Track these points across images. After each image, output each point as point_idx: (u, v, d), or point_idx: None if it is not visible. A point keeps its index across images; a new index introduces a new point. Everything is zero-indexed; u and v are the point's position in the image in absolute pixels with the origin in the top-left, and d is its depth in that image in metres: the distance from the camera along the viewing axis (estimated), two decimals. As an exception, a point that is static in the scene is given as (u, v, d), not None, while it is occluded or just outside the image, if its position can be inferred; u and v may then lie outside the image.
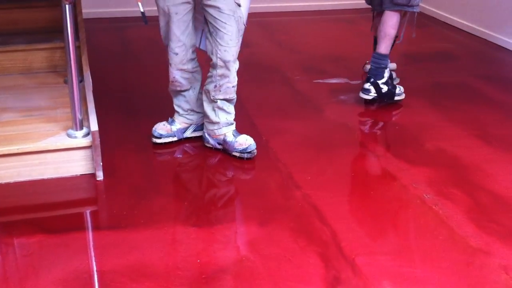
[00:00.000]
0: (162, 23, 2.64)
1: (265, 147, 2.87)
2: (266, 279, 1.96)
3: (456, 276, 2.00)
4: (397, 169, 2.71)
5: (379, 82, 3.29)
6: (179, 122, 2.86)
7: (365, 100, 3.36)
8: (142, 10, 2.57)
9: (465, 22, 5.01)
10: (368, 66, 3.59)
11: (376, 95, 3.31)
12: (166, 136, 2.84)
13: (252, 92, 3.50)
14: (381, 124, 3.24)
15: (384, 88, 3.30)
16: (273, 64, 4.10)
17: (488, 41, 4.68)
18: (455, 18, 5.14)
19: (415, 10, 3.22)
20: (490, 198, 2.47)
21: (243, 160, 2.72)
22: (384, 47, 3.27)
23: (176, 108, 2.85)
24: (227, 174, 2.68)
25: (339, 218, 2.31)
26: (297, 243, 2.14)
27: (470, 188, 2.54)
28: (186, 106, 2.83)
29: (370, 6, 3.46)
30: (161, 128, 2.84)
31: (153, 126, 2.86)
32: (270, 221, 2.28)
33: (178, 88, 2.77)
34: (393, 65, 3.67)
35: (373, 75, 3.30)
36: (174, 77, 2.72)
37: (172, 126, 2.85)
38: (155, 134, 2.84)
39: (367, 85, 3.32)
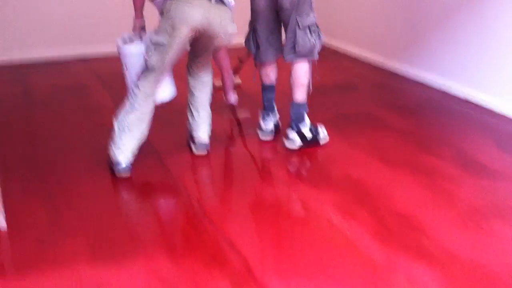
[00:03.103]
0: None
1: (175, 182, 2.88)
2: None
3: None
4: (305, 194, 2.80)
5: (303, 130, 3.28)
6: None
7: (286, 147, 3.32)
8: None
9: (362, 53, 5.30)
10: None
11: (301, 144, 3.28)
12: None
13: (161, 131, 3.51)
14: (287, 152, 3.32)
15: (309, 135, 3.29)
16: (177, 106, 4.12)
17: (385, 69, 4.96)
18: (352, 50, 5.43)
19: (315, 58, 3.27)
20: (393, 217, 2.59)
21: (153, 194, 2.72)
22: (301, 96, 3.27)
23: None
24: (139, 210, 2.67)
25: (250, 246, 2.35)
26: (210, 274, 2.16)
27: (374, 209, 2.66)
28: None
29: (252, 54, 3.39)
30: None
31: (58, 174, 2.82)
32: (182, 255, 2.29)
33: None
34: None
35: (295, 125, 3.28)
36: None
37: None
38: None
39: (291, 135, 3.28)
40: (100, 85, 4.53)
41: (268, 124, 3.41)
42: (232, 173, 3.05)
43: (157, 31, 2.80)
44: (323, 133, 3.40)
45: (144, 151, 2.96)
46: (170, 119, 3.59)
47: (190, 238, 2.41)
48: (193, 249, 2.33)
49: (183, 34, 2.75)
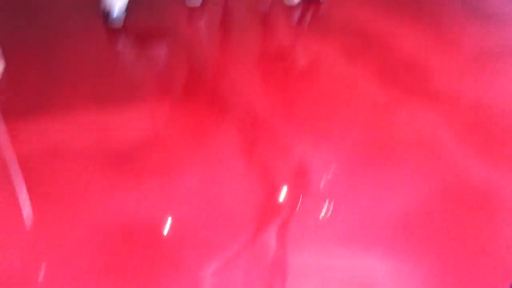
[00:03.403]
0: None
1: (179, 32, 2.81)
2: (186, 149, 1.98)
3: (367, 130, 2.10)
4: (309, 41, 2.73)
5: None
6: None
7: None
8: None
9: None
10: None
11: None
12: None
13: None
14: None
15: None
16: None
17: None
18: None
19: None
20: (398, 61, 2.55)
21: (150, 42, 2.66)
22: None
23: None
24: (137, 54, 2.62)
25: (255, 91, 2.33)
26: (215, 115, 2.16)
27: (379, 52, 2.61)
28: None
29: None
30: None
31: (50, 24, 2.70)
32: (187, 96, 2.27)
33: None
34: None
35: None
36: None
37: None
38: None
39: None
40: None
41: None
42: (230, 24, 2.95)
43: None
44: None
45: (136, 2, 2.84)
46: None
47: (193, 84, 2.38)
48: (196, 94, 2.30)
49: None
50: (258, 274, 1.59)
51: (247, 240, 1.67)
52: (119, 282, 1.54)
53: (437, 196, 1.85)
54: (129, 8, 2.78)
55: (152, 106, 2.22)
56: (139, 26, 2.83)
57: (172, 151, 1.97)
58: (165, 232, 1.69)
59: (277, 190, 1.84)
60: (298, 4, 3.12)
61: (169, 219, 1.73)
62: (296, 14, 3.12)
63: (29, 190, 1.79)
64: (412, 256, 1.66)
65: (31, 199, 1.77)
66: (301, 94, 2.33)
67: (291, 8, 3.11)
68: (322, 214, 1.77)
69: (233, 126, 2.09)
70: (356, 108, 2.22)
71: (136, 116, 2.16)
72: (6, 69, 2.40)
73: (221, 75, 2.42)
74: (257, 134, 2.06)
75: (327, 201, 1.80)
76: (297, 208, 1.78)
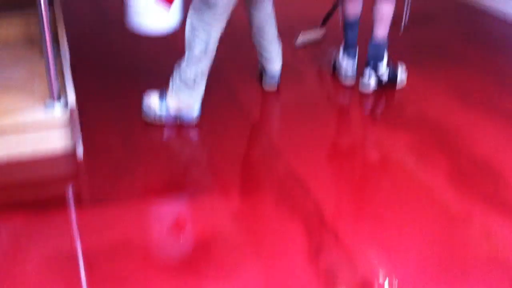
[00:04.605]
0: None
1: (247, 117, 2.85)
2: (249, 250, 1.97)
3: (438, 243, 2.03)
4: (379, 135, 2.72)
5: (381, 70, 3.06)
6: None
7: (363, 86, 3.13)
8: None
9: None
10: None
11: (378, 82, 3.09)
12: None
13: (234, 59, 3.45)
14: (361, 91, 3.21)
15: (385, 79, 3.09)
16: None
17: (468, 3, 4.65)
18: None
19: None
20: (471, 162, 2.49)
21: (226, 131, 2.71)
22: (384, 31, 3.00)
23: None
24: (208, 146, 2.67)
25: (322, 187, 2.31)
26: (280, 214, 2.15)
27: (451, 152, 2.56)
28: None
29: None
30: None
31: (137, 99, 2.80)
32: (253, 192, 2.28)
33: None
34: None
35: (374, 64, 3.04)
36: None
37: None
38: None
39: (368, 79, 3.07)
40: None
41: (353, 65, 3.16)
42: (303, 111, 2.97)
43: None
44: (401, 75, 3.17)
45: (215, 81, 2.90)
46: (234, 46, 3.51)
47: (261, 176, 2.40)
48: (263, 187, 2.31)
49: None
50: None
51: None
52: None
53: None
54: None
55: (217, 199, 2.24)
56: (215, 109, 2.88)
57: (234, 251, 1.97)
58: None
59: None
60: (373, 90, 3.11)
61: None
62: (369, 103, 3.11)
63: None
64: None
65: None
66: (369, 196, 2.30)
67: (364, 95, 3.11)
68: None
69: (298, 228, 2.08)
70: (425, 216, 2.16)
71: (205, 210, 2.19)
72: (85, 150, 2.49)
73: (289, 170, 2.41)
74: (323, 239, 2.03)
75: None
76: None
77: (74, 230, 2.08)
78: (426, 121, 2.84)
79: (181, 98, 2.69)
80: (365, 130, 2.81)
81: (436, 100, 3.04)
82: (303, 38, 3.65)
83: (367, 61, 3.08)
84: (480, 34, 4.08)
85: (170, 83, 2.70)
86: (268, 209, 2.18)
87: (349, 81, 3.18)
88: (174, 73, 2.69)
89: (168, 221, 2.13)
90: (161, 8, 2.46)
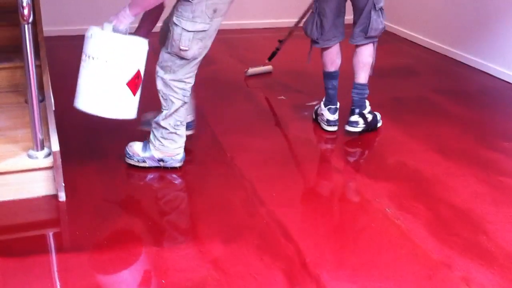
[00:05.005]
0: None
1: (230, 164, 2.88)
2: (231, 298, 1.96)
3: (418, 289, 2.04)
4: (360, 184, 2.75)
5: (365, 112, 3.25)
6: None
7: (348, 131, 3.27)
8: None
9: (424, 38, 5.13)
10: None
11: (364, 125, 3.24)
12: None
13: (216, 109, 3.52)
14: (343, 139, 3.27)
15: (369, 117, 3.26)
16: (236, 80, 4.13)
17: (447, 56, 4.80)
18: (414, 34, 5.26)
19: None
20: (450, 211, 2.52)
21: (208, 178, 2.73)
22: (365, 77, 3.22)
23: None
24: (191, 192, 2.68)
25: (304, 234, 2.33)
26: (261, 261, 2.15)
27: (430, 201, 2.60)
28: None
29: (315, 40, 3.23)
30: None
31: (116, 145, 2.82)
32: (234, 239, 2.28)
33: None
34: None
35: (358, 106, 3.23)
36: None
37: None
38: None
39: (354, 118, 3.23)
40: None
41: (335, 113, 3.28)
42: (286, 158, 3.02)
43: (192, 19, 2.48)
44: (379, 115, 3.37)
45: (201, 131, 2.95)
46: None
47: (243, 222, 2.41)
48: (245, 233, 2.32)
49: (223, 13, 2.57)
50: None
51: None
52: None
53: None
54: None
55: (198, 246, 2.25)
56: (198, 154, 2.91)
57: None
58: None
59: None
60: (359, 132, 3.24)
61: None
62: (350, 152, 3.17)
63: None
64: None
65: None
66: (351, 243, 2.31)
67: (346, 145, 3.17)
68: None
69: (280, 274, 2.07)
70: (406, 264, 2.17)
71: (185, 256, 2.18)
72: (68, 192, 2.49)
73: (271, 216, 2.43)
74: (304, 286, 2.02)
75: None
76: None
77: (52, 277, 2.05)
78: (406, 170, 2.89)
79: (165, 149, 2.72)
80: (346, 179, 2.85)
81: (416, 151, 3.11)
82: (252, 70, 4.21)
83: (352, 106, 3.24)
84: (460, 87, 4.19)
85: (152, 138, 2.74)
86: (250, 255, 2.18)
87: (332, 128, 3.27)
88: (154, 129, 2.73)
89: (148, 268, 2.11)
90: (127, 93, 2.48)
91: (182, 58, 2.58)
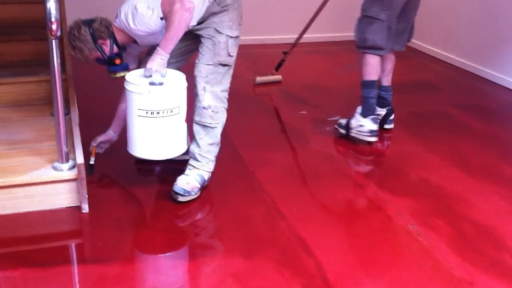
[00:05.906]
0: None
1: (251, 178, 2.89)
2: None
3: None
4: (382, 199, 2.74)
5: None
6: None
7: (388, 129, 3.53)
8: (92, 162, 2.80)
9: (445, 53, 5.11)
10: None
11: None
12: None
13: (238, 123, 3.53)
14: (363, 154, 3.27)
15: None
16: (258, 95, 4.15)
17: (468, 71, 4.78)
18: (435, 49, 5.24)
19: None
20: (473, 228, 2.50)
21: (229, 192, 2.74)
22: (390, 79, 3.52)
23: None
24: (212, 205, 2.69)
25: (324, 249, 2.32)
26: (282, 275, 2.15)
27: (453, 218, 2.58)
28: None
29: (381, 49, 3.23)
30: None
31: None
32: (255, 253, 2.29)
33: None
34: None
35: (390, 104, 3.53)
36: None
37: None
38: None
39: (393, 116, 3.52)
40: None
41: (377, 122, 3.35)
42: (307, 172, 3.02)
43: (231, 26, 2.58)
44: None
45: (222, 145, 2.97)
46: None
47: (263, 236, 2.41)
48: (266, 247, 2.32)
49: None
50: None
51: None
52: None
53: None
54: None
55: (219, 259, 2.26)
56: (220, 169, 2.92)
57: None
58: None
59: None
60: (375, 141, 3.30)
61: None
62: (372, 168, 3.16)
63: None
64: None
65: None
66: (372, 259, 2.29)
67: (367, 161, 3.16)
68: None
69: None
70: (428, 280, 2.15)
71: (207, 270, 2.19)
72: (91, 205, 2.52)
73: (292, 231, 2.43)
74: (325, 302, 2.02)
75: None
76: None
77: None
78: (427, 186, 2.87)
79: (212, 164, 2.74)
80: (368, 194, 2.84)
81: (437, 167, 3.09)
82: (260, 79, 4.37)
83: (391, 108, 3.50)
84: (481, 102, 4.17)
85: (203, 162, 2.69)
86: (270, 269, 2.18)
87: (376, 138, 3.32)
88: (207, 153, 2.68)
89: (170, 282, 2.13)
90: (185, 127, 2.57)
91: (225, 65, 2.62)
